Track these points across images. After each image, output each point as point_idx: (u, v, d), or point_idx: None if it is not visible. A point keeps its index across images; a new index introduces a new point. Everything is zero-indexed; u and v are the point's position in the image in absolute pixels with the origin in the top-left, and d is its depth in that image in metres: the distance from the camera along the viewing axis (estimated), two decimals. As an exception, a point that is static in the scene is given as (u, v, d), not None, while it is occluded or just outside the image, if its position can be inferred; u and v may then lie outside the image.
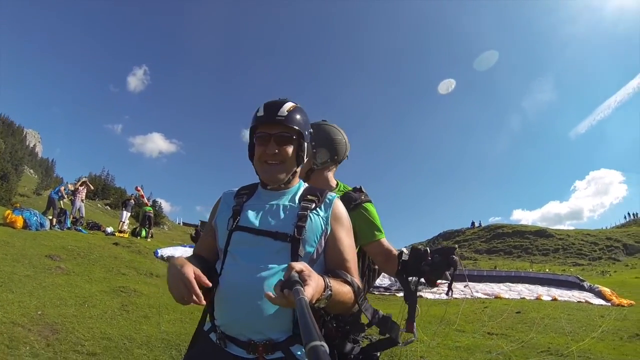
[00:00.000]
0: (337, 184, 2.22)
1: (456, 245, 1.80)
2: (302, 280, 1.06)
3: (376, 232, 2.05)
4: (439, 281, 1.71)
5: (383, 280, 13.60)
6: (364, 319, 1.55)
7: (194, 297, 1.21)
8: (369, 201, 2.10)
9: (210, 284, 1.29)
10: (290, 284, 1.02)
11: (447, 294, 1.75)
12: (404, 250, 1.82)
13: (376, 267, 2.18)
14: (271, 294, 1.07)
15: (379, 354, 1.59)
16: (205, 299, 1.53)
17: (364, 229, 1.99)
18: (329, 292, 1.23)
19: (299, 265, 1.12)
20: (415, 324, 1.71)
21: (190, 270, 1.26)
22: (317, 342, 0.69)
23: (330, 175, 2.22)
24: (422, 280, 1.74)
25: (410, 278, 1.76)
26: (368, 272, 2.21)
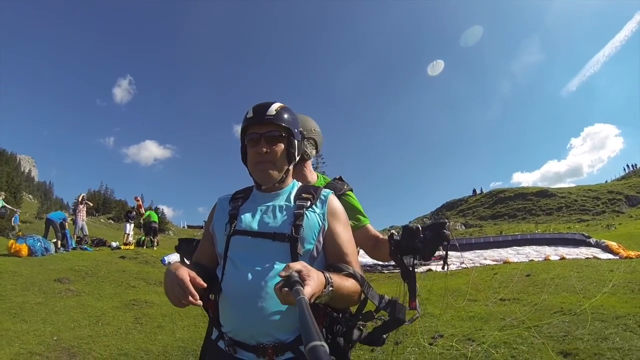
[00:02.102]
0: (317, 176, 2.24)
1: (447, 220, 1.78)
2: (302, 280, 1.07)
3: (361, 218, 2.11)
4: (433, 256, 1.72)
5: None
6: (371, 306, 1.55)
7: (190, 298, 1.20)
8: (351, 189, 2.15)
9: (205, 285, 1.28)
10: (290, 284, 1.03)
11: (442, 267, 1.79)
12: (394, 232, 1.82)
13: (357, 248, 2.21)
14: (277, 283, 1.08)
15: (385, 336, 1.60)
16: (209, 307, 1.53)
17: (349, 216, 2.00)
18: (330, 288, 1.24)
19: (297, 266, 1.12)
20: (417, 301, 1.73)
21: (185, 273, 1.25)
22: (317, 342, 0.70)
23: (310, 167, 2.24)
24: (418, 257, 1.74)
25: (405, 257, 1.77)
26: None
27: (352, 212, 2.04)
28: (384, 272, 12.23)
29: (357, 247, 2.20)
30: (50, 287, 7.90)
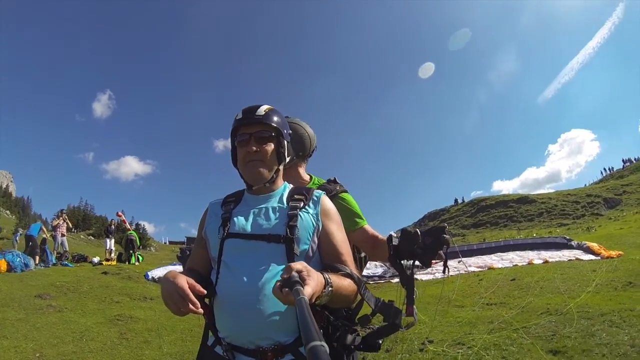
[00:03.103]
0: (310, 178, 2.22)
1: (445, 224, 1.75)
2: (302, 280, 1.06)
3: (357, 220, 2.07)
4: (433, 261, 1.68)
5: (377, 269, 13.66)
6: (367, 308, 1.53)
7: (191, 306, 1.19)
8: (345, 191, 2.12)
9: (205, 292, 1.27)
10: (290, 284, 1.02)
11: (443, 272, 1.76)
12: (393, 234, 1.78)
13: (362, 255, 2.17)
14: (277, 283, 1.06)
15: (381, 341, 1.56)
16: (204, 312, 1.47)
17: (344, 219, 1.87)
18: (330, 288, 1.23)
19: (297, 266, 1.11)
20: (415, 307, 1.68)
21: (184, 280, 1.24)
22: (317, 342, 0.69)
23: (301, 170, 2.21)
24: (417, 262, 1.70)
25: (404, 261, 1.72)
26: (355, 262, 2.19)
27: (348, 213, 2.00)
28: (369, 283, 12.17)
29: (362, 254, 2.16)
30: (31, 303, 7.67)
